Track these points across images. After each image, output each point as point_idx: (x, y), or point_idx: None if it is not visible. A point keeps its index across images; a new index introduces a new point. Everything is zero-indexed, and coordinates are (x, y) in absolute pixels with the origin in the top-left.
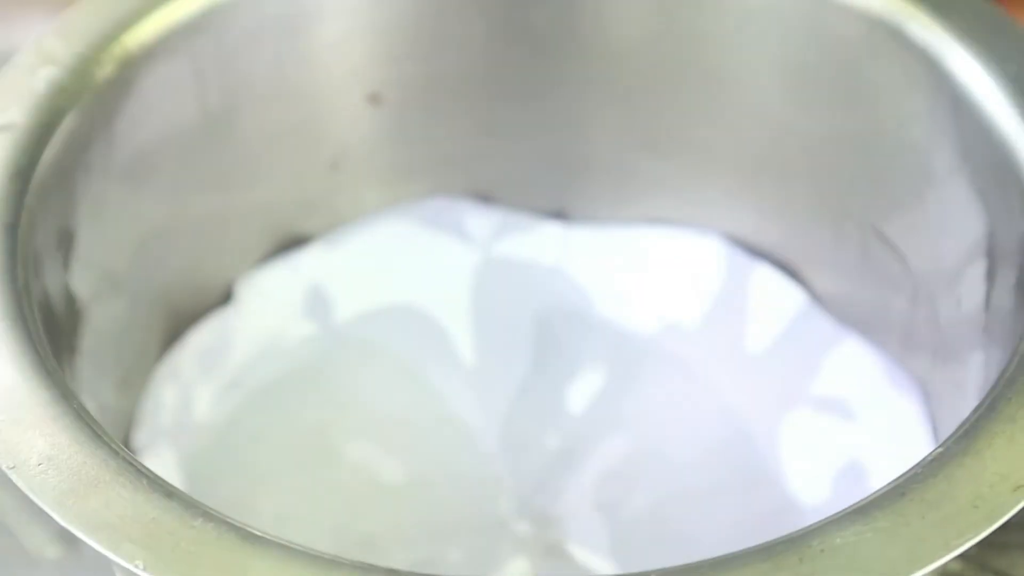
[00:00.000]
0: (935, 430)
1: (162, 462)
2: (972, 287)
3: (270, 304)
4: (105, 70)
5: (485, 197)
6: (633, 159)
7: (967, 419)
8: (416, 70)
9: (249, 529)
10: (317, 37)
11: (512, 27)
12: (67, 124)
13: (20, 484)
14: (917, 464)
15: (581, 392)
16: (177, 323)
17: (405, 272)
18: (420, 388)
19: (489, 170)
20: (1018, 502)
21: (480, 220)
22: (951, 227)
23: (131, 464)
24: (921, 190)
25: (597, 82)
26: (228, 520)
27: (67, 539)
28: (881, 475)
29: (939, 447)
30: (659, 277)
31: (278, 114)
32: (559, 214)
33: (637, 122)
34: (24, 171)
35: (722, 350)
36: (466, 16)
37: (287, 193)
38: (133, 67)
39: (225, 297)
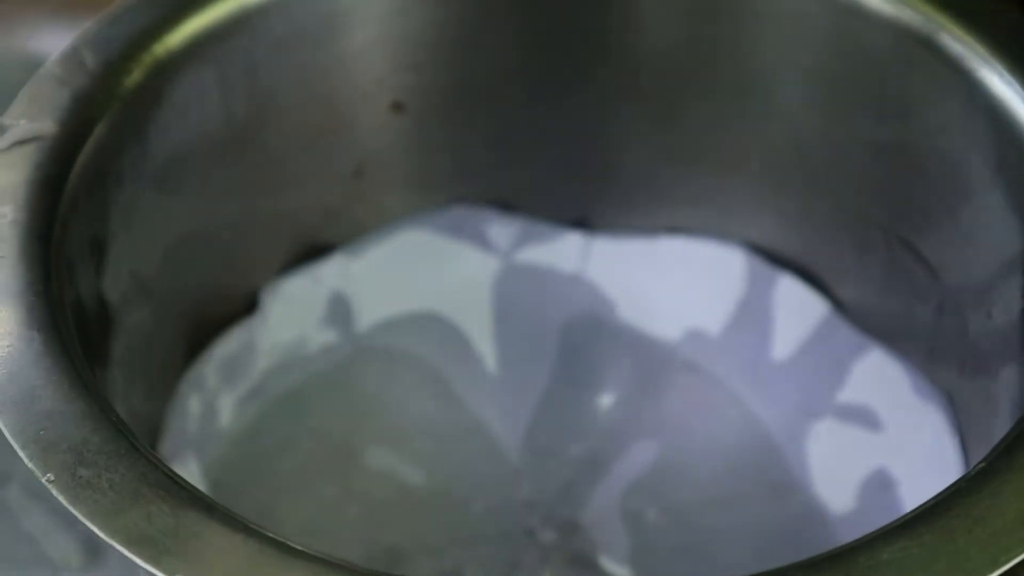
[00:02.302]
0: (962, 442)
1: (187, 471)
2: (1006, 301)
3: (293, 313)
4: (134, 79)
5: (507, 206)
6: (656, 168)
7: (1009, 433)
8: (440, 78)
9: (291, 544)
10: (343, 46)
11: (536, 35)
12: (97, 133)
13: (60, 497)
14: (961, 479)
15: (605, 401)
16: (202, 332)
17: (427, 280)
18: (443, 396)
19: (511, 179)
20: None
21: (502, 228)
22: (984, 240)
23: (170, 478)
24: (953, 202)
25: (621, 90)
26: (269, 535)
27: (91, 549)
28: (907, 485)
29: (982, 462)
30: (682, 286)
31: (303, 122)
32: (581, 223)
33: (661, 130)
34: (55, 181)
35: (746, 359)
36: (490, 24)
37: (311, 201)
38: (162, 75)
39: (249, 306)
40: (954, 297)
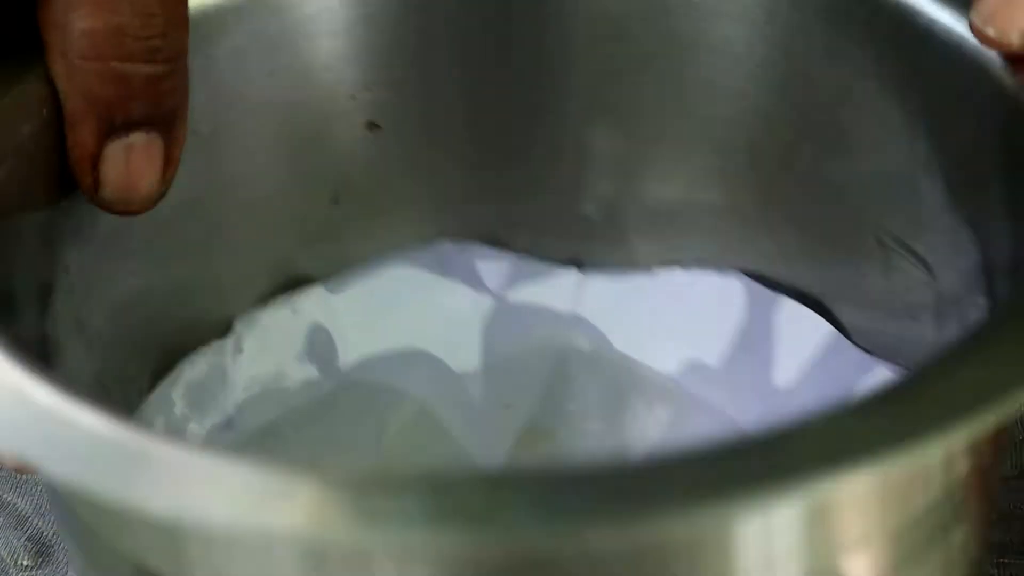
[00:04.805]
0: None
1: None
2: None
3: (271, 345)
4: None
5: (495, 241)
6: (641, 198)
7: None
8: (416, 97)
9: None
10: (308, 57)
11: (510, 50)
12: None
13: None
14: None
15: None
16: (169, 361)
17: (413, 315)
18: (427, 434)
19: (499, 212)
20: None
21: (491, 264)
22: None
23: None
24: (943, 206)
25: (590, 108)
26: None
27: (41, 548)
28: None
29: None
30: (680, 318)
31: (273, 139)
32: (572, 262)
33: (644, 156)
34: None
35: (750, 387)
36: (465, 39)
37: (287, 227)
38: None
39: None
40: (952, 304)
